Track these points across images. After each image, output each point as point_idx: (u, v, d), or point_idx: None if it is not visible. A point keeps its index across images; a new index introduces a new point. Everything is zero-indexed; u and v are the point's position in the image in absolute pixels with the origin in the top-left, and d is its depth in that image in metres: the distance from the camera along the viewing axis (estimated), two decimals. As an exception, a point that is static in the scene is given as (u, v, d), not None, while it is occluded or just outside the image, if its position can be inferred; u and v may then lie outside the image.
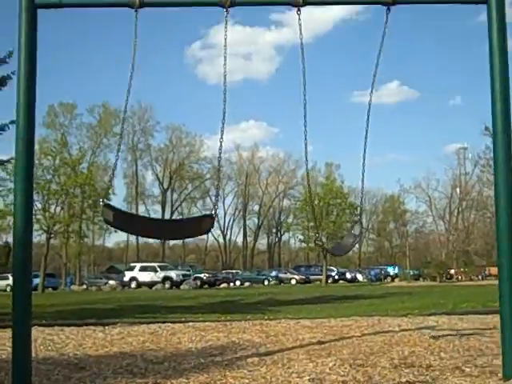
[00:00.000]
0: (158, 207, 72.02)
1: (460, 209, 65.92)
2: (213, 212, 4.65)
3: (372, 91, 5.55)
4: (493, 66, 4.61)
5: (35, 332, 7.22)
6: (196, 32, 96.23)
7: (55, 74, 76.87)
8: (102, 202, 4.61)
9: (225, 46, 5.00)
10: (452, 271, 49.07)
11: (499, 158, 4.55)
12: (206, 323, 8.79)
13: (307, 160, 5.69)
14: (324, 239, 46.30)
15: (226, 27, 4.90)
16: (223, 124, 4.77)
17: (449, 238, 61.47)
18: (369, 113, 5.64)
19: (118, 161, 5.02)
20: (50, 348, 6.44)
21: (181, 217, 66.59)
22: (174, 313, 11.25)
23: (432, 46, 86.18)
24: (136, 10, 4.74)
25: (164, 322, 8.98)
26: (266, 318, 9.88)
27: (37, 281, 40.03)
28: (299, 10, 4.92)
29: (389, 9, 4.95)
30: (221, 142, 4.77)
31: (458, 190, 65.12)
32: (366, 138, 5.61)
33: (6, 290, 37.39)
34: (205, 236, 60.22)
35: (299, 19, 4.96)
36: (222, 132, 4.78)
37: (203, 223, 4.74)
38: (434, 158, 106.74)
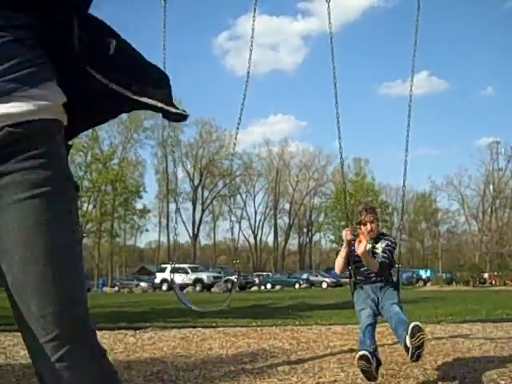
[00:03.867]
0: (189, 204, 70.69)
1: (493, 207, 64.59)
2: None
3: (412, 80, 5.43)
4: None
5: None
6: (223, 22, 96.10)
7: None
8: None
9: (253, 26, 5.09)
10: (485, 275, 48.32)
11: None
12: (237, 328, 8.78)
13: (342, 158, 5.55)
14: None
15: (254, 14, 4.95)
16: (242, 110, 4.90)
17: (482, 239, 60.48)
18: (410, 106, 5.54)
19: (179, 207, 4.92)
20: (81, 353, 6.47)
21: (211, 215, 65.94)
22: (205, 317, 11.25)
23: (461, 34, 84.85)
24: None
25: (195, 327, 9.00)
26: (296, 323, 9.84)
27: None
28: None
29: None
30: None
31: (491, 187, 63.70)
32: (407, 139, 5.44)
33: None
34: (235, 237, 60.07)
35: (328, 6, 5.01)
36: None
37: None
38: (466, 152, 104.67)
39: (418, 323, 4.25)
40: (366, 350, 4.24)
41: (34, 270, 1.34)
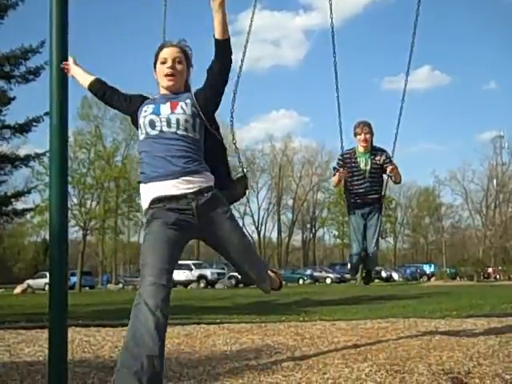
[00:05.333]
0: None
1: (497, 202, 64.44)
2: (244, 170, 4.18)
3: (408, 74, 5.80)
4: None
5: (72, 333, 7.29)
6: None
7: (88, 64, 77.25)
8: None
9: (252, 16, 5.05)
10: (490, 270, 48.26)
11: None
12: (241, 325, 8.77)
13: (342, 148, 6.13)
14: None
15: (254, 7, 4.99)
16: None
17: (486, 234, 60.37)
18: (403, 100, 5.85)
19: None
20: (86, 350, 6.48)
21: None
22: (209, 313, 11.25)
23: (464, 28, 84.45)
24: None
25: (199, 323, 8.99)
26: (301, 319, 9.83)
27: (74, 279, 40.56)
28: None
29: None
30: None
31: (494, 181, 63.52)
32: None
33: (44, 289, 37.67)
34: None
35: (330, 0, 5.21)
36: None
37: (238, 185, 3.88)
38: (470, 147, 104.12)
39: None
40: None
41: (243, 243, 3.50)
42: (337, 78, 5.62)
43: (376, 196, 6.03)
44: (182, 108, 3.24)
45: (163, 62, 3.41)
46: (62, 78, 4.53)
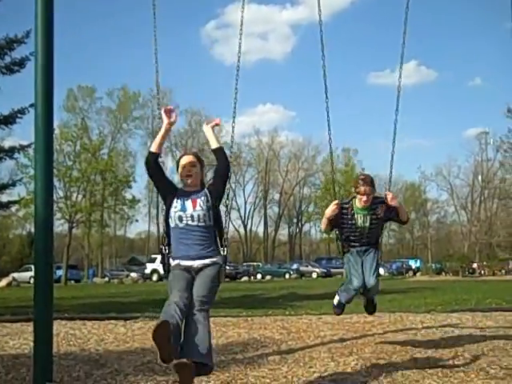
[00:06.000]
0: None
1: (482, 198, 64.76)
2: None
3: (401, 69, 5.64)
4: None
5: (58, 326, 7.26)
6: (211, 11, 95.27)
7: (72, 55, 76.74)
8: None
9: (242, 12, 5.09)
10: (475, 265, 48.56)
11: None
12: (227, 318, 8.78)
13: (331, 148, 5.84)
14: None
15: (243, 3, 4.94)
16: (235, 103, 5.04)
17: (471, 230, 60.68)
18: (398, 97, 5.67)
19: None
20: (71, 343, 6.46)
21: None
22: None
23: (451, 23, 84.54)
24: None
25: (185, 317, 8.97)
26: (287, 313, 9.85)
27: (60, 273, 40.36)
28: None
29: None
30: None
31: (479, 177, 63.82)
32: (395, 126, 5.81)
33: (29, 282, 37.50)
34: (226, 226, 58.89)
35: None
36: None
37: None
38: (456, 143, 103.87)
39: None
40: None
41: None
42: (325, 75, 5.44)
43: (373, 242, 5.58)
44: (200, 206, 4.36)
45: (183, 167, 4.48)
46: (47, 69, 4.50)
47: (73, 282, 43.84)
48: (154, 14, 4.98)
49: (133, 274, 47.06)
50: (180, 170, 4.53)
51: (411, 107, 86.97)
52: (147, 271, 44.78)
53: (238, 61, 5.04)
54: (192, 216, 4.35)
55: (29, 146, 18.05)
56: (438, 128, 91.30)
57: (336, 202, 5.46)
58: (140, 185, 68.00)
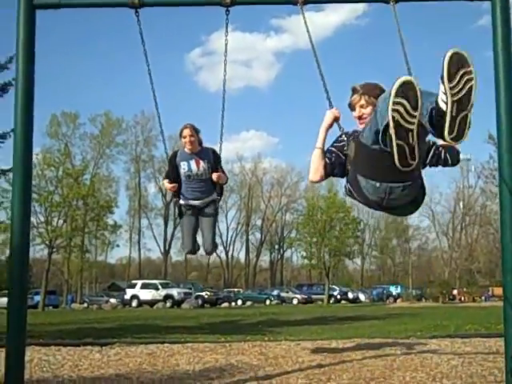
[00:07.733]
0: (161, 220, 70.59)
1: (463, 224, 65.15)
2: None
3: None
4: (497, 67, 4.26)
5: (31, 352, 7.13)
6: (196, 39, 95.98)
7: (56, 81, 76.82)
8: None
9: (226, 42, 5.14)
10: (455, 291, 48.74)
11: (504, 165, 4.21)
12: (205, 344, 8.66)
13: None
14: (327, 256, 45.87)
15: (226, 29, 4.91)
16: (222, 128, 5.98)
17: (452, 256, 60.97)
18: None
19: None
20: (44, 369, 6.33)
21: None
22: (174, 333, 11.10)
23: (429, 50, 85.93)
24: (137, 11, 4.60)
25: (163, 343, 8.85)
26: (266, 339, 9.75)
27: (37, 298, 39.81)
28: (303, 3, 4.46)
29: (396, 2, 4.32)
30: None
31: (461, 204, 64.22)
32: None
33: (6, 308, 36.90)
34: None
35: (303, 16, 4.39)
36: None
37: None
38: (438, 169, 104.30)
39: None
40: None
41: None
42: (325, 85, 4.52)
43: None
44: (202, 166, 6.32)
45: (184, 137, 6.31)
46: (28, 95, 4.51)
47: (51, 307, 43.24)
48: (146, 56, 4.97)
49: (112, 300, 46.57)
50: (182, 139, 6.36)
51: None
52: (127, 297, 44.24)
53: (224, 89, 5.08)
54: (197, 173, 6.37)
55: (9, 170, 17.91)
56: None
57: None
58: (122, 210, 67.68)
